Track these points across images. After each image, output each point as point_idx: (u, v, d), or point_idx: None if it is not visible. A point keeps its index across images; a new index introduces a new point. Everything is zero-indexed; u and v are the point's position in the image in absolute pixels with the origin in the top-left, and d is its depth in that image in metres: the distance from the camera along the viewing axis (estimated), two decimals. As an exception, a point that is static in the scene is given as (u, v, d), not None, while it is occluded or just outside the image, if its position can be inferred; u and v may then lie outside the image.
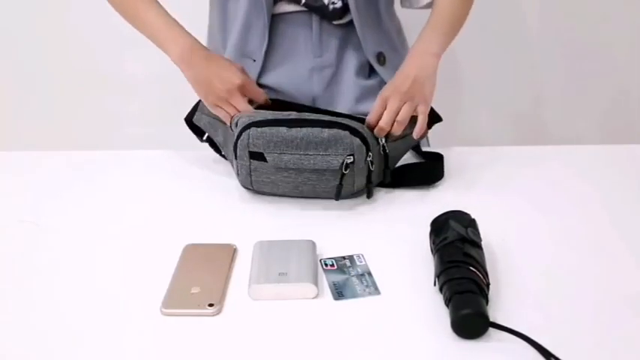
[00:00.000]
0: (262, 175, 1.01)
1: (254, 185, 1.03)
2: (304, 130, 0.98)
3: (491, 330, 0.75)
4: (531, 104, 2.16)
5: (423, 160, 1.16)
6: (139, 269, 0.90)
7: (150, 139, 2.04)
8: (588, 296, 0.83)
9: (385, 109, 1.05)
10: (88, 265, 0.91)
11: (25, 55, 2.08)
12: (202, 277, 0.87)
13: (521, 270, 0.88)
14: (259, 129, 0.99)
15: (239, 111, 1.06)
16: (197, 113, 1.14)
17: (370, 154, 1.00)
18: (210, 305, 0.81)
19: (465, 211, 0.91)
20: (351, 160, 0.98)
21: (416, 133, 1.06)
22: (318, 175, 1.00)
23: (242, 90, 1.07)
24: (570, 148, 1.22)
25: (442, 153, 1.14)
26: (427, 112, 1.07)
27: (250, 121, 1.00)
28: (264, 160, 0.99)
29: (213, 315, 0.81)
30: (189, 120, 1.16)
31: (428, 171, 1.11)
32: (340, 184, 0.99)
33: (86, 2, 1.95)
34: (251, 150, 0.99)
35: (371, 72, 1.25)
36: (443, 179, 1.11)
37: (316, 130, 0.98)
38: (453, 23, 1.15)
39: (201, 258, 0.91)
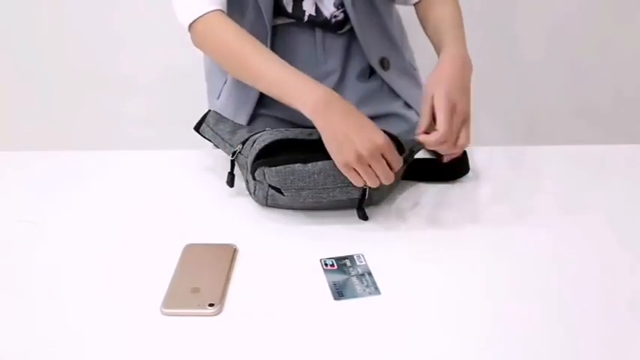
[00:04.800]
0: (279, 200, 1.00)
1: (269, 204, 1.03)
2: (320, 164, 0.94)
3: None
4: (531, 104, 2.16)
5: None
6: (139, 269, 0.90)
7: (149, 139, 2.05)
8: (588, 296, 0.83)
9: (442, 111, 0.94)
10: (87, 265, 0.91)
11: (24, 56, 2.08)
12: (202, 277, 0.87)
13: (521, 269, 0.88)
14: (273, 168, 0.95)
15: (377, 177, 0.91)
16: (203, 125, 1.11)
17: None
18: (211, 305, 0.81)
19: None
20: None
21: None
22: (336, 203, 0.99)
23: (384, 150, 0.91)
24: (570, 148, 1.22)
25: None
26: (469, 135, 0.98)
27: (261, 159, 0.97)
28: (282, 193, 0.97)
29: (213, 315, 0.81)
30: (197, 129, 1.13)
31: (453, 167, 1.11)
32: (361, 208, 0.98)
33: (86, 2, 1.96)
34: (269, 183, 0.98)
35: (371, 73, 1.25)
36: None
37: (332, 162, 0.93)
38: (462, 28, 1.11)
39: (201, 258, 0.91)
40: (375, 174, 0.91)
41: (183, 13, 1.07)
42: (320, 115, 0.94)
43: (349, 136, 0.90)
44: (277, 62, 1.00)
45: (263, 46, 1.03)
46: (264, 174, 0.97)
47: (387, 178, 0.91)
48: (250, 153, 1.00)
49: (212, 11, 1.05)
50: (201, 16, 1.05)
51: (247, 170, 1.01)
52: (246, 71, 1.03)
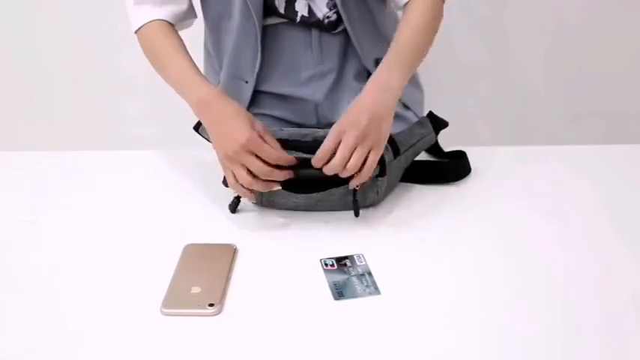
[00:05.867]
0: (274, 196, 1.01)
1: (264, 203, 1.03)
2: (314, 195, 0.98)
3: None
4: (530, 104, 2.16)
5: (446, 159, 1.16)
6: (139, 269, 0.90)
7: (150, 139, 2.05)
8: (588, 296, 0.83)
9: (338, 145, 0.93)
10: (88, 265, 0.91)
11: (25, 55, 2.08)
12: (202, 277, 0.87)
13: (521, 269, 0.88)
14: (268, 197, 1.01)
15: (250, 173, 0.93)
16: (202, 125, 1.12)
17: (382, 178, 0.99)
18: (211, 305, 0.81)
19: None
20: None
21: (354, 183, 0.95)
22: (328, 196, 0.99)
23: (251, 148, 0.93)
24: (570, 148, 1.22)
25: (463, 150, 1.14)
26: (377, 159, 0.95)
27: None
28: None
29: (213, 315, 0.81)
30: (196, 129, 1.14)
31: (454, 168, 1.12)
32: (355, 199, 0.98)
33: (86, 2, 1.96)
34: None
35: (370, 74, 1.25)
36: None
37: (327, 194, 0.98)
38: (415, 54, 1.07)
39: (201, 258, 0.91)
40: (250, 171, 0.93)
41: (130, 20, 1.14)
42: (201, 113, 1.02)
43: (216, 138, 0.98)
44: (183, 62, 1.07)
45: (180, 49, 1.09)
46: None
47: (262, 173, 0.93)
48: None
49: (153, 21, 1.12)
50: (145, 24, 1.12)
51: None
52: (162, 71, 1.11)
